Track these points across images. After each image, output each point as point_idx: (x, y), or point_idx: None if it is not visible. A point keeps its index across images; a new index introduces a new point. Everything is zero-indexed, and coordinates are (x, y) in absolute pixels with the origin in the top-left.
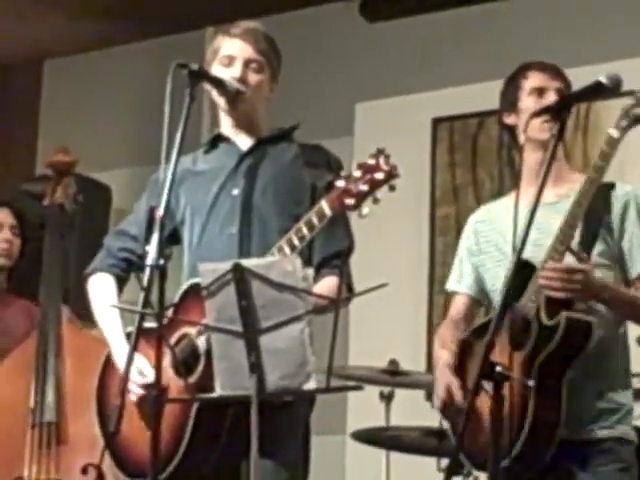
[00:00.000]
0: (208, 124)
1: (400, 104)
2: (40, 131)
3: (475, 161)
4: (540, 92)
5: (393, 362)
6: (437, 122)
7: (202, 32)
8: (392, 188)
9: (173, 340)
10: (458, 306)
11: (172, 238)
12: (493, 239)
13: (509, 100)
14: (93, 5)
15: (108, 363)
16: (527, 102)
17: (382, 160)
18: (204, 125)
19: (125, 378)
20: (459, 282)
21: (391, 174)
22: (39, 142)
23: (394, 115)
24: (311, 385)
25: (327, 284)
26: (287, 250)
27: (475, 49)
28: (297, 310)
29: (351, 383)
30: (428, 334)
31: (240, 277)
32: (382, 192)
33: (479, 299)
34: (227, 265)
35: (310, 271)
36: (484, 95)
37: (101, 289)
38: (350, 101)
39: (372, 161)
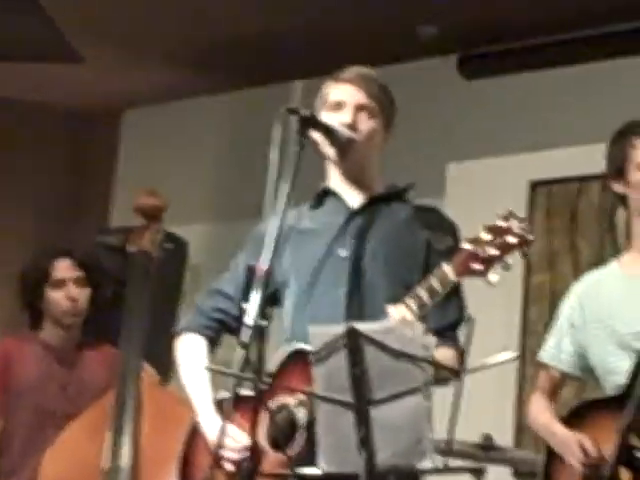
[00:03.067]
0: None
1: (496, 165)
2: (117, 183)
3: (574, 227)
4: None
5: (487, 437)
6: (535, 186)
7: (289, 85)
8: (525, 255)
9: (270, 410)
10: (549, 380)
11: (271, 301)
12: (600, 312)
13: (616, 166)
14: (175, 55)
15: (194, 434)
16: (637, 176)
17: (514, 223)
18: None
19: (218, 446)
20: (557, 357)
21: (525, 239)
22: (115, 194)
23: (489, 177)
24: (427, 464)
25: (444, 355)
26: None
27: (577, 109)
28: (415, 381)
29: (468, 464)
30: (517, 407)
31: (354, 343)
32: (512, 258)
33: (574, 376)
34: (340, 329)
35: (431, 339)
36: (586, 158)
37: (191, 350)
38: (442, 161)
39: (503, 223)
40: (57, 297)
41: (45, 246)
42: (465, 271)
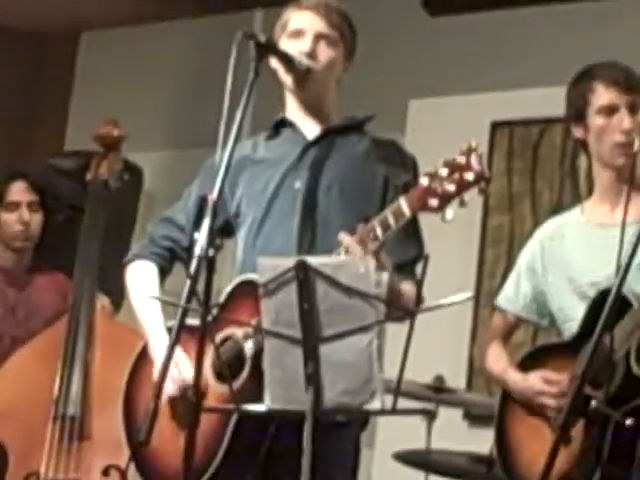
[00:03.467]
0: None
1: (458, 104)
2: (72, 106)
3: (535, 169)
4: (610, 111)
5: (439, 378)
6: (496, 126)
7: (251, 13)
8: (482, 191)
9: (217, 340)
10: (504, 324)
11: (223, 231)
12: (561, 259)
13: (575, 111)
14: None
15: (142, 357)
16: (596, 121)
17: (474, 159)
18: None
19: (162, 375)
20: (513, 301)
21: (483, 176)
22: (70, 118)
23: (450, 115)
24: (376, 405)
25: (407, 290)
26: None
27: (542, 51)
28: (366, 319)
29: (418, 406)
30: (471, 349)
31: (304, 276)
32: (469, 195)
33: (529, 320)
34: (290, 262)
35: (385, 276)
36: (549, 100)
37: (142, 278)
38: (404, 97)
39: (462, 159)
40: (9, 220)
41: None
42: (420, 206)
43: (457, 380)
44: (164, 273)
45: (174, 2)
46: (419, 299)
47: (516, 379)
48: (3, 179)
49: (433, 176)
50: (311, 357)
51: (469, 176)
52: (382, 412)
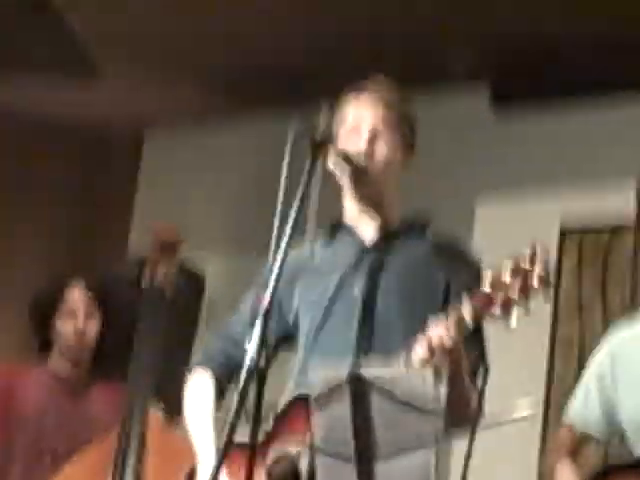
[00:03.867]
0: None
1: (525, 209)
2: (135, 211)
3: (605, 276)
4: None
5: None
6: (565, 234)
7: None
8: (548, 298)
9: (270, 459)
10: (572, 440)
11: (280, 342)
12: (635, 371)
13: None
14: (203, 75)
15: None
16: None
17: (538, 264)
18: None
19: None
20: (581, 415)
21: (548, 282)
22: (133, 223)
23: (518, 223)
24: None
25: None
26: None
27: (615, 155)
28: (423, 436)
29: None
30: (540, 465)
31: (358, 390)
32: (534, 302)
33: (599, 439)
34: (343, 374)
35: (444, 390)
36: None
37: (196, 394)
38: (470, 204)
39: (526, 264)
40: (65, 329)
41: (58, 273)
42: (483, 314)
43: None
44: (222, 390)
45: (239, 98)
46: (479, 412)
47: None
48: (59, 285)
49: (496, 282)
50: (366, 477)
51: (534, 282)
52: None
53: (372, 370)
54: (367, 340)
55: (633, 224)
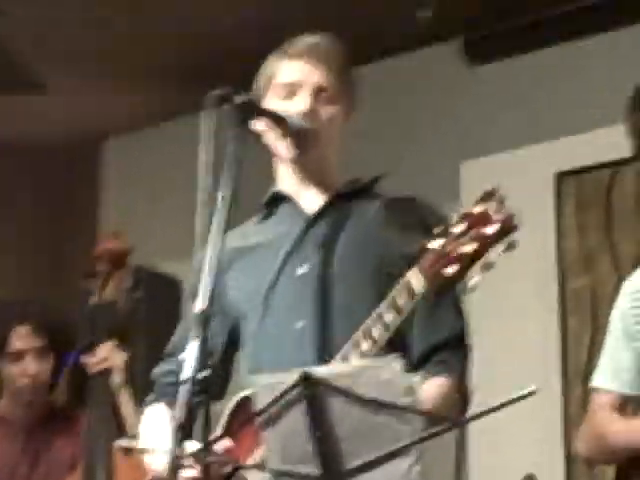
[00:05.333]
0: None
1: (514, 159)
2: (101, 222)
3: (609, 221)
4: None
5: (530, 477)
6: (562, 176)
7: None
8: (511, 246)
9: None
10: (609, 406)
11: (232, 341)
12: None
13: None
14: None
15: None
16: None
17: (493, 207)
18: None
19: None
20: (615, 377)
21: (508, 226)
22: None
23: (508, 172)
24: None
25: (434, 392)
26: (365, 346)
27: (602, 85)
28: (401, 439)
29: None
30: (565, 436)
31: (311, 395)
32: (496, 253)
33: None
34: (291, 377)
35: (416, 379)
36: (615, 141)
37: (151, 423)
38: (454, 160)
39: (479, 208)
40: (13, 372)
41: (1, 311)
42: (435, 277)
43: (553, 477)
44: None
45: (195, 94)
46: (465, 401)
47: None
48: (3, 323)
49: (445, 236)
50: None
51: (490, 229)
52: None
53: (325, 368)
54: (325, 329)
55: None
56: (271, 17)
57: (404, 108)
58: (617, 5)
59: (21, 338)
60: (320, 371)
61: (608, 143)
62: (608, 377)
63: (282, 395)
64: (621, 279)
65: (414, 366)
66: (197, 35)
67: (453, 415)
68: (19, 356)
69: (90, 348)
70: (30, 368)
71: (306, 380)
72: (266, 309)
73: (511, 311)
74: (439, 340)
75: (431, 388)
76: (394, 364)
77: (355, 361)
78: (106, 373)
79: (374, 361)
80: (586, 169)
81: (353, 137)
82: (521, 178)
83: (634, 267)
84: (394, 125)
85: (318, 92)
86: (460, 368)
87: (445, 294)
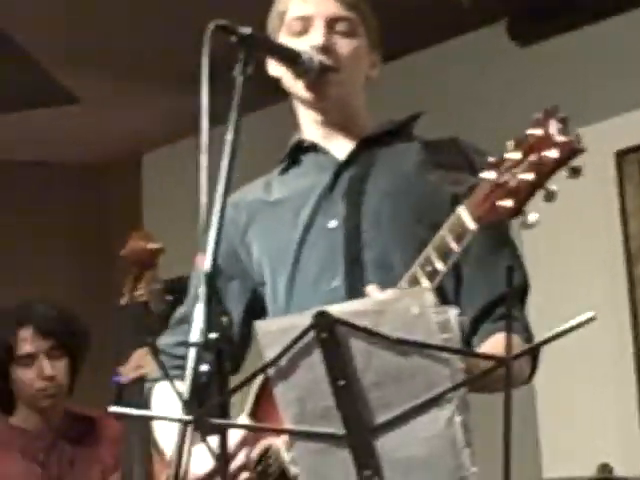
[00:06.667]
0: None
1: None
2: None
3: None
4: None
5: (605, 467)
6: (622, 155)
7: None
8: (576, 172)
9: (254, 456)
10: None
11: (253, 309)
12: None
13: None
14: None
15: None
16: None
17: (554, 127)
18: None
19: None
20: None
21: (572, 148)
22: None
23: None
24: None
25: (495, 348)
26: None
27: None
28: (438, 384)
29: None
30: None
31: (329, 337)
32: (558, 180)
33: None
34: (305, 319)
35: (453, 313)
36: None
37: (161, 401)
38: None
39: (538, 131)
40: (28, 376)
41: (3, 313)
42: (489, 213)
43: (630, 465)
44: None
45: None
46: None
47: None
48: (7, 328)
49: (500, 165)
50: (365, 458)
51: (552, 153)
52: None
53: (343, 305)
54: (358, 284)
55: None
56: None
57: (453, 95)
58: None
59: (27, 340)
60: (337, 309)
61: None
62: None
63: (295, 341)
64: None
65: (471, 322)
66: None
67: (524, 374)
68: (31, 359)
69: (123, 353)
70: (46, 369)
71: (322, 320)
72: (296, 268)
73: (578, 297)
74: (497, 295)
75: (495, 345)
76: (426, 295)
77: (377, 294)
78: (140, 380)
79: (400, 293)
80: None
81: None
82: (579, 158)
83: None
84: (443, 111)
85: (333, 23)
86: (527, 323)
87: (501, 239)
